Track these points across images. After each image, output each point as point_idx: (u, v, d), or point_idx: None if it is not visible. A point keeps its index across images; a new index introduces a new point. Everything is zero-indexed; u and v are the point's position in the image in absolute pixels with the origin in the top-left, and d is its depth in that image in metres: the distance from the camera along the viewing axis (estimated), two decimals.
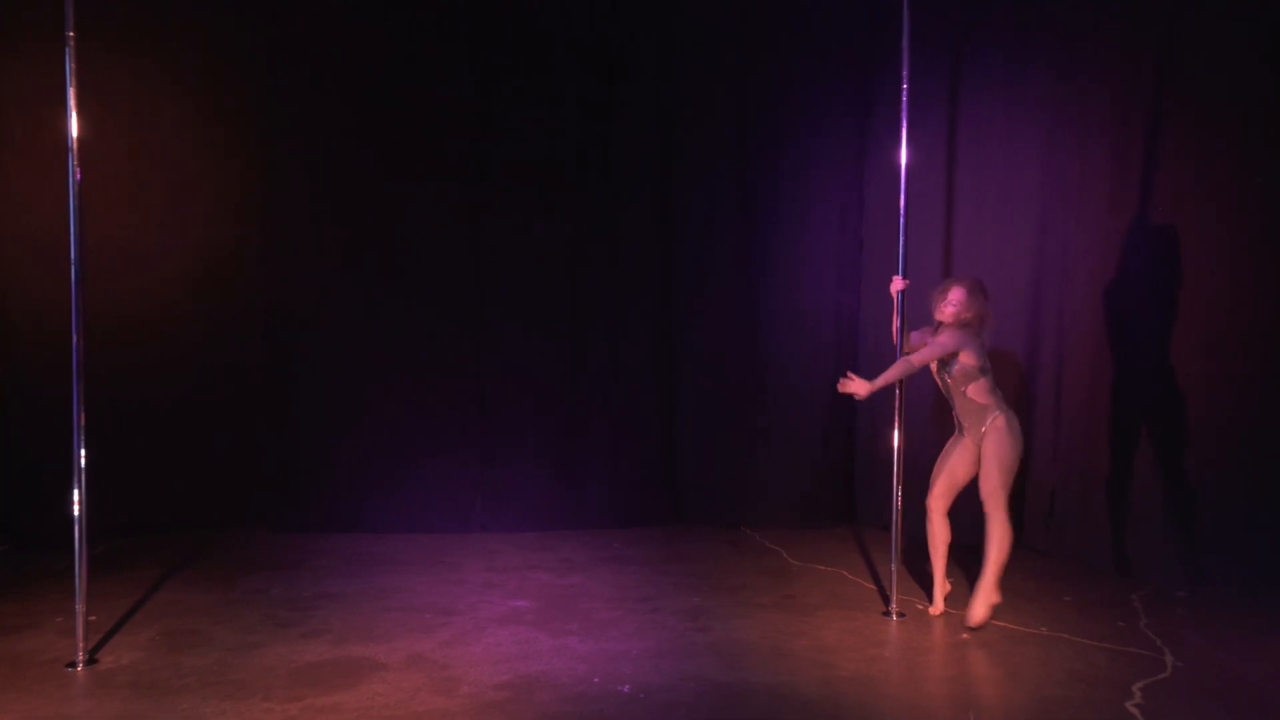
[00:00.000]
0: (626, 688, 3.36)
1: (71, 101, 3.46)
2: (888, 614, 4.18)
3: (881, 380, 3.88)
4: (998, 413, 3.96)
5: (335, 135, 5.60)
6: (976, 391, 3.98)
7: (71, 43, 3.45)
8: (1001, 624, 4.06)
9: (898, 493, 4.16)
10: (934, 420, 5.50)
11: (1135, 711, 3.17)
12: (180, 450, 5.57)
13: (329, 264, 5.64)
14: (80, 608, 3.53)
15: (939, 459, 4.16)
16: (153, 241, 5.44)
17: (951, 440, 4.15)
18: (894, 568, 4.21)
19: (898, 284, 4.12)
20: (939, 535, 4.14)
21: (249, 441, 5.73)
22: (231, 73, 5.61)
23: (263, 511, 5.71)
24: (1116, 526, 4.85)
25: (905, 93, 4.10)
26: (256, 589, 4.51)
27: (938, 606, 4.18)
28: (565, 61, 5.75)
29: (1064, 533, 5.12)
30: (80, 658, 3.52)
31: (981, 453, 3.99)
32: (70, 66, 3.45)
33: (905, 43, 4.07)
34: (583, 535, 5.62)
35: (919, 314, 4.21)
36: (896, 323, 4.15)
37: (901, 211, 4.12)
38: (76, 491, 3.52)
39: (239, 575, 4.73)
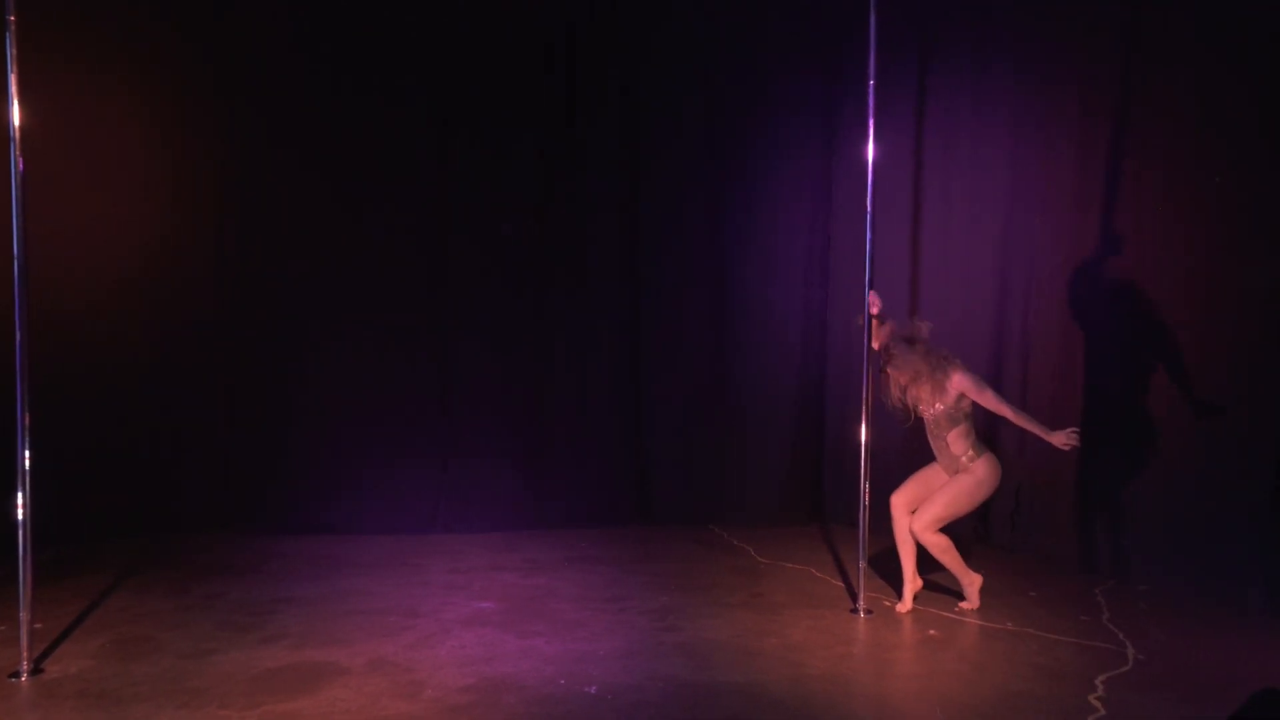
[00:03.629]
0: (594, 689, 3.36)
1: (13, 89, 3.36)
2: (856, 611, 4.22)
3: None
4: (977, 460, 4.01)
5: (300, 134, 5.53)
6: (956, 437, 4.03)
7: (12, 27, 3.35)
8: (969, 620, 4.13)
9: (865, 490, 4.20)
10: (901, 421, 5.56)
11: (1098, 704, 3.24)
12: (133, 451, 5.45)
13: (291, 266, 5.57)
14: (25, 615, 3.43)
15: (920, 472, 4.21)
16: (107, 237, 5.32)
17: (930, 464, 4.22)
18: (862, 565, 4.25)
19: (876, 307, 4.13)
20: (905, 534, 4.19)
21: (204, 442, 5.62)
22: (185, 69, 5.49)
23: (219, 514, 5.61)
24: (1081, 523, 4.95)
25: (872, 89, 4.14)
26: (212, 594, 4.43)
27: (906, 604, 4.23)
28: (531, 62, 5.72)
29: (1030, 530, 5.21)
30: (25, 667, 3.43)
31: (944, 486, 4.06)
32: (11, 52, 3.35)
33: (872, 41, 4.10)
34: (549, 536, 5.60)
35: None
36: (871, 341, 4.19)
37: (869, 209, 4.16)
38: (21, 494, 3.42)
39: (194, 580, 4.64)
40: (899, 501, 4.19)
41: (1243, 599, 4.30)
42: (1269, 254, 4.29)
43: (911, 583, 4.24)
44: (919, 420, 4.15)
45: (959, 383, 3.97)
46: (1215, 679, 3.49)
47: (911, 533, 4.10)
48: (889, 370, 4.09)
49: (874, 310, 4.13)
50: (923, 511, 4.05)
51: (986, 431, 4.13)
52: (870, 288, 4.16)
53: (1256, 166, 4.32)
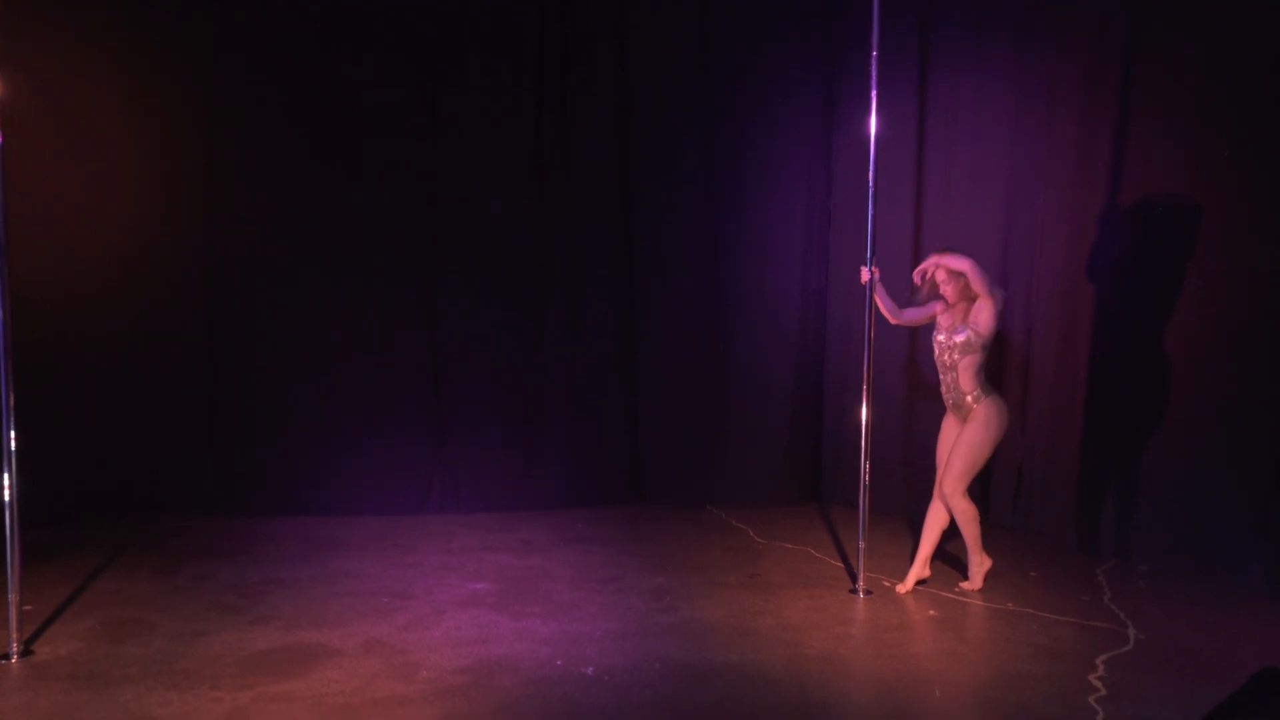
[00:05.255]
0: (590, 670, 3.39)
1: None
2: (855, 592, 4.26)
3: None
4: (979, 403, 4.03)
5: (281, 103, 5.48)
6: (966, 369, 4.04)
7: None
8: (969, 600, 4.17)
9: (865, 469, 4.23)
10: (903, 397, 5.59)
11: (1098, 684, 3.28)
12: (119, 431, 5.45)
13: (275, 238, 5.54)
14: (14, 597, 3.46)
15: (939, 442, 4.22)
16: (88, 212, 5.28)
17: (943, 423, 4.22)
18: (861, 545, 4.28)
19: (866, 276, 4.15)
20: (936, 519, 4.18)
21: (192, 423, 5.63)
22: (169, 45, 5.42)
23: (207, 495, 5.62)
24: (1082, 503, 4.99)
25: (875, 60, 4.12)
26: (202, 575, 4.45)
27: (907, 585, 4.25)
28: (521, 30, 5.66)
29: (1030, 509, 5.25)
30: (14, 649, 3.45)
31: (958, 439, 4.07)
32: None
33: (875, 10, 4.07)
34: (543, 516, 5.63)
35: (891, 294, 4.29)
36: (881, 305, 4.20)
37: (871, 183, 4.15)
38: (7, 475, 3.43)
39: (183, 561, 4.66)
40: (939, 479, 4.19)
41: (1244, 579, 4.35)
42: (1276, 227, 4.30)
43: (921, 569, 4.25)
44: (934, 371, 4.17)
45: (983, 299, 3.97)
46: (1216, 659, 3.53)
47: (942, 498, 4.10)
48: (938, 276, 4.05)
49: (864, 280, 4.14)
50: (946, 475, 4.07)
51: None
52: (871, 264, 4.17)
53: (1263, 137, 4.31)
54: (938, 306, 4.19)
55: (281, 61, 5.48)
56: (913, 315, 4.28)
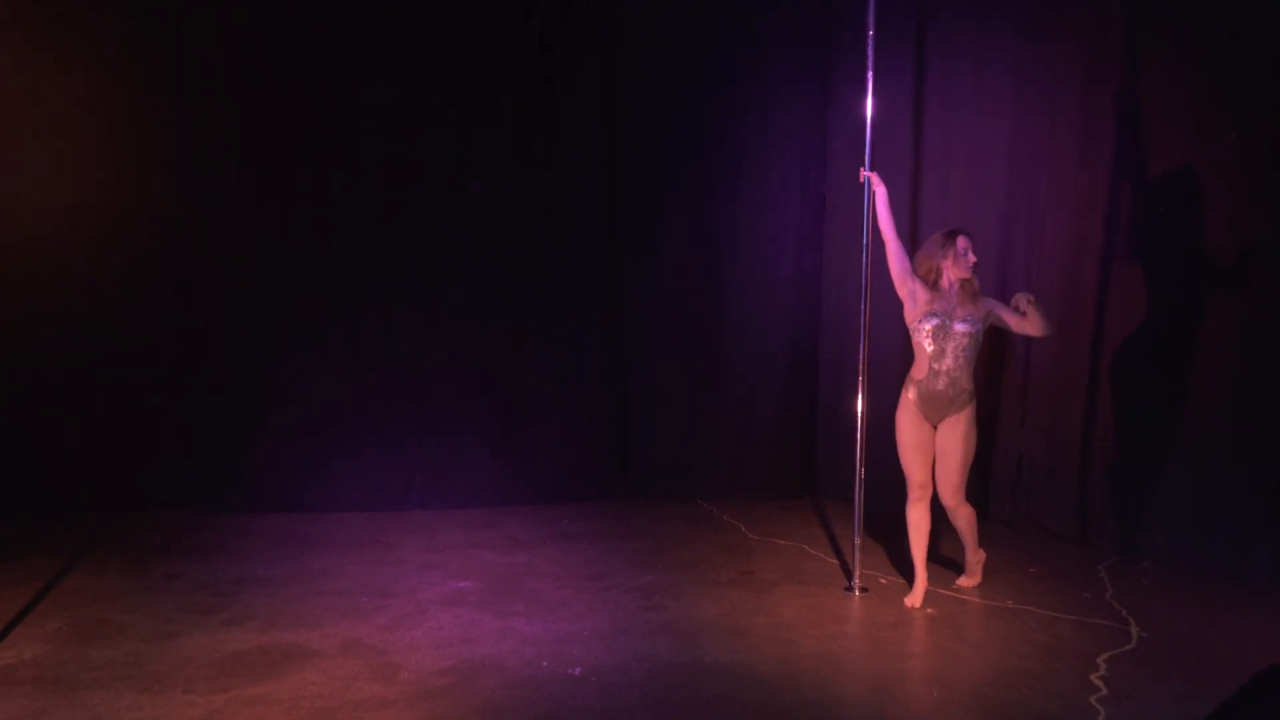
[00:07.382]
0: (577, 670, 3.38)
1: None
2: (850, 589, 4.26)
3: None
4: (971, 401, 3.94)
5: (255, 92, 5.41)
6: (969, 364, 3.92)
7: None
8: (967, 598, 4.17)
9: (861, 464, 4.22)
10: (900, 387, 5.58)
11: (1099, 683, 3.29)
12: (86, 424, 5.40)
13: (250, 225, 5.49)
14: None
15: (908, 444, 3.98)
16: (57, 204, 5.21)
17: (910, 424, 3.97)
18: (856, 541, 4.27)
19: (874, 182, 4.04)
20: (923, 525, 4.03)
21: (163, 414, 5.57)
22: (139, 25, 5.37)
23: (179, 490, 5.57)
24: (1083, 496, 5.00)
25: (871, 40, 4.10)
26: (174, 574, 4.42)
27: (917, 598, 4.06)
28: (508, 7, 5.61)
29: (1030, 503, 5.26)
30: None
31: (947, 445, 3.91)
32: None
33: None
34: (529, 511, 5.61)
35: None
36: (880, 207, 4.04)
37: (867, 167, 4.13)
38: None
39: (154, 560, 4.62)
40: (925, 495, 3.99)
41: (1249, 574, 4.36)
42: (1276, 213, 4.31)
43: (926, 578, 4.09)
44: (926, 360, 3.98)
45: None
46: (1220, 656, 3.55)
47: (946, 504, 3.95)
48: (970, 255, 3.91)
49: (861, 179, 4.05)
50: (946, 480, 3.91)
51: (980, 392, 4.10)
52: (866, 251, 4.14)
53: (1262, 122, 4.31)
54: (919, 285, 3.95)
55: (255, 46, 5.40)
56: (899, 251, 3.98)
